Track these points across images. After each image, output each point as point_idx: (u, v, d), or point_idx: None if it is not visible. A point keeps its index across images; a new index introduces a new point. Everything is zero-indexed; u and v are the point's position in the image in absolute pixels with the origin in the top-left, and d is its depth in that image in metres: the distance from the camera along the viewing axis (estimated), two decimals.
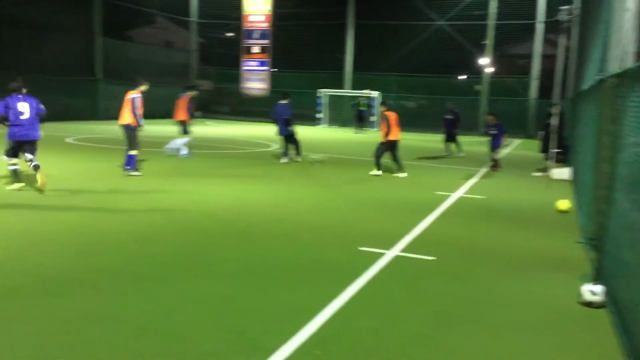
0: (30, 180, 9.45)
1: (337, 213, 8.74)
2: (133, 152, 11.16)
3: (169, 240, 6.66)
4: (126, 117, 11.19)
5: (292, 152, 14.73)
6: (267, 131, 26.78)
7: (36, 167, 9.07)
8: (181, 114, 14.82)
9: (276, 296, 4.94)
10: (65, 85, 28.03)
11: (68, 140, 18.00)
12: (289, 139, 14.72)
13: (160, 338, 3.99)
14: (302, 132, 27.86)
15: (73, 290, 4.86)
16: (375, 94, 31.06)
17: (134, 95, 11.17)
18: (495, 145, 14.92)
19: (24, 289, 4.84)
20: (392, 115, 13.04)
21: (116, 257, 5.87)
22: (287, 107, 14.59)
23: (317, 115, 33.05)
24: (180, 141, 14.63)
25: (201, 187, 10.40)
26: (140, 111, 11.16)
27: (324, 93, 32.99)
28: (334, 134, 28.36)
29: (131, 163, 11.19)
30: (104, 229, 7.01)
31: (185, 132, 14.78)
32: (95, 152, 15.29)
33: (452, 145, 18.63)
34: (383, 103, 14.65)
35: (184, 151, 14.60)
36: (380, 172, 12.94)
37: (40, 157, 9.35)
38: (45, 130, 16.16)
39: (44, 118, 9.51)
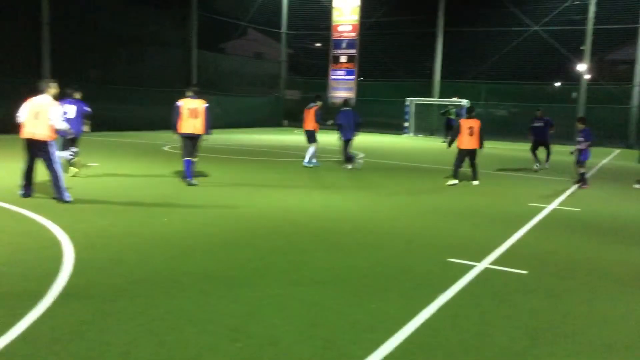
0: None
1: (424, 222, 8.65)
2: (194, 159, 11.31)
3: (257, 247, 6.86)
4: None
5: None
6: (355, 140, 26.92)
7: (72, 157, 11.60)
8: (310, 123, 15.27)
9: (364, 305, 4.96)
10: (164, 97, 29.57)
11: (165, 148, 18.93)
12: (348, 143, 15.30)
13: (254, 341, 4.12)
14: (389, 140, 27.84)
15: (167, 291, 5.11)
16: (464, 102, 30.46)
17: (205, 104, 11.28)
18: (583, 157, 12.86)
19: (123, 289, 5.14)
20: (464, 124, 12.86)
21: (208, 261, 6.12)
22: (352, 113, 15.31)
23: (405, 124, 32.81)
24: (311, 150, 14.95)
25: (288, 195, 10.62)
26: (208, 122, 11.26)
27: (411, 101, 32.71)
28: (421, 143, 28.05)
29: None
30: (195, 233, 7.33)
31: (314, 140, 15.13)
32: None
33: (542, 155, 16.68)
34: (468, 110, 14.31)
35: (313, 160, 15.07)
36: (455, 182, 12.68)
37: (140, 164, 9.89)
38: (146, 139, 17.06)
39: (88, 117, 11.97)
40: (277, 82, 38.66)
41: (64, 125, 9.16)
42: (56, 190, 8.90)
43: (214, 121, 11.72)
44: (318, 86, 37.52)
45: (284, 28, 37.97)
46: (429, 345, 4.20)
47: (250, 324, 4.42)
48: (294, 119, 36.87)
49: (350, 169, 15.06)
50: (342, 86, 36.25)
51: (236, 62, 36.50)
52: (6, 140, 17.84)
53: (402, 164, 16.99)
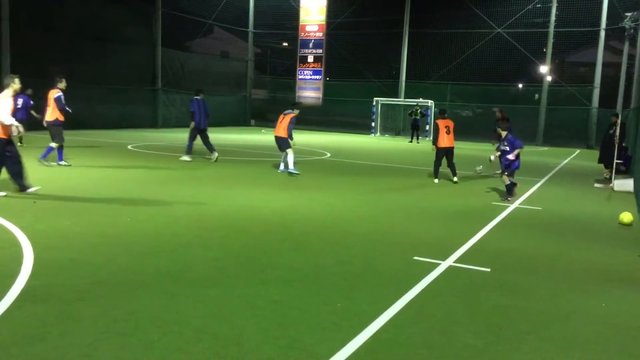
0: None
1: (390, 221, 8.72)
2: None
3: (224, 246, 6.81)
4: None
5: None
6: (321, 139, 27.01)
7: None
8: (282, 130, 13.78)
9: (331, 304, 4.97)
10: (128, 95, 29.09)
11: (130, 147, 18.63)
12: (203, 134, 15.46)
13: (218, 342, 4.08)
14: (356, 140, 27.99)
15: (131, 292, 5.02)
16: (429, 102, 30.80)
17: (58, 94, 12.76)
18: (514, 166, 10.98)
19: (85, 290, 5.04)
20: (441, 124, 13.20)
21: (173, 261, 6.04)
22: (203, 102, 15.72)
23: (373, 124, 33.01)
24: (290, 157, 13.74)
25: (255, 194, 10.57)
26: None
27: (378, 101, 32.93)
28: (387, 143, 28.27)
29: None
30: (161, 232, 7.23)
31: (288, 146, 13.76)
32: (154, 158, 15.75)
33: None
34: (440, 111, 14.30)
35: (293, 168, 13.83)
36: (436, 180, 13.27)
37: (104, 163, 9.69)
38: (108, 137, 16.74)
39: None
40: (244, 81, 38.46)
41: (11, 121, 8.92)
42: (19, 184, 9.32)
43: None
44: (285, 86, 37.50)
45: (250, 27, 37.80)
46: (394, 342, 4.24)
47: (216, 324, 4.38)
48: (262, 118, 36.77)
49: (189, 160, 15.20)
50: (309, 86, 36.29)
51: (202, 61, 36.15)
52: None
53: (369, 164, 17.10)
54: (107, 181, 11.39)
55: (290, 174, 13.52)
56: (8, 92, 9.09)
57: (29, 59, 24.02)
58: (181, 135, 26.05)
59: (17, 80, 9.28)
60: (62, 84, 13.05)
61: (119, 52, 29.04)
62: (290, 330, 4.35)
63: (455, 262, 6.49)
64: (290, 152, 13.70)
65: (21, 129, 9.13)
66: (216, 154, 15.41)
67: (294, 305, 4.91)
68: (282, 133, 13.70)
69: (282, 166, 14.07)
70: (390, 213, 9.49)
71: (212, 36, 38.62)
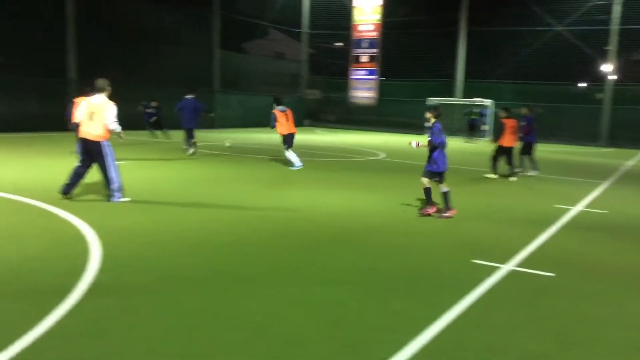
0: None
1: (447, 223, 8.59)
2: None
3: (281, 246, 6.87)
4: None
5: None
6: (375, 139, 26.91)
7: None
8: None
9: (388, 305, 4.94)
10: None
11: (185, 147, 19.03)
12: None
13: (279, 340, 4.13)
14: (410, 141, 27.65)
15: (191, 289, 5.14)
16: (487, 102, 30.19)
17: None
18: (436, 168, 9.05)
19: (149, 286, 5.19)
20: (509, 123, 13.46)
21: (231, 260, 6.15)
22: (192, 101, 16.39)
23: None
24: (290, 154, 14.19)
25: (311, 194, 10.62)
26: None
27: (433, 101, 32.49)
28: None
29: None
30: (219, 232, 7.37)
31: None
32: (212, 159, 16.06)
33: (526, 159, 14.87)
34: (505, 109, 14.17)
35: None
36: (495, 176, 13.70)
37: (164, 164, 9.93)
38: (169, 138, 17.13)
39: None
40: (298, 82, 38.74)
41: (117, 127, 8.90)
42: (110, 191, 8.96)
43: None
44: (339, 86, 37.53)
45: (304, 27, 38.02)
46: (453, 346, 4.17)
47: (276, 323, 4.43)
48: (316, 119, 36.96)
49: (192, 153, 16.18)
50: (363, 86, 36.20)
51: (257, 62, 36.67)
52: (43, 138, 18.14)
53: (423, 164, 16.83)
54: (165, 180, 11.70)
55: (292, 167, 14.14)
56: (106, 97, 9.01)
57: (92, 59, 24.97)
58: (237, 135, 26.49)
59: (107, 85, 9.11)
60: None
61: (176, 55, 29.79)
62: (348, 331, 4.35)
63: (517, 266, 6.32)
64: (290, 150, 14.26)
65: (122, 135, 9.14)
66: (192, 150, 16.32)
67: (351, 306, 4.90)
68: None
69: (298, 161, 14.18)
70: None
71: (267, 38, 39.11)
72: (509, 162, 13.82)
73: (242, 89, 34.02)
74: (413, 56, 34.26)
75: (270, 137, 22.11)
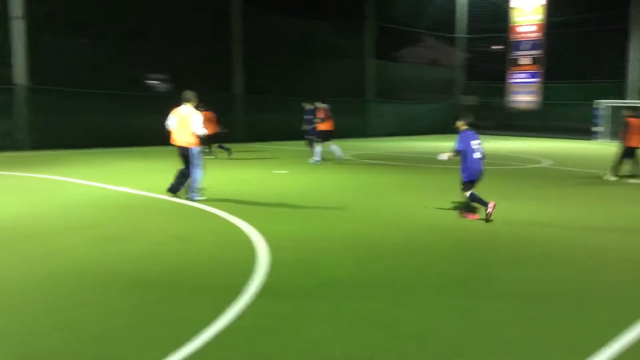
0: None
1: (619, 237, 7.86)
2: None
3: (436, 254, 6.78)
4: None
5: None
6: (537, 146, 25.47)
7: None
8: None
9: (558, 322, 4.65)
10: (338, 107, 30.58)
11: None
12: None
13: (440, 351, 4.08)
14: (578, 147, 25.80)
15: (354, 295, 5.26)
16: None
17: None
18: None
19: (314, 289, 5.40)
20: (635, 122, 13.11)
21: (392, 268, 6.19)
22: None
23: (594, 129, 30.24)
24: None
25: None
26: None
27: (603, 104, 30.01)
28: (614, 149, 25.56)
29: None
30: (380, 239, 7.45)
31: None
32: (364, 168, 16.30)
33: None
34: (631, 108, 13.75)
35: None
36: (614, 178, 13.51)
37: (319, 170, 10.24)
38: (324, 147, 17.71)
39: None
40: (453, 88, 37.99)
41: (204, 131, 10.03)
42: (189, 189, 10.04)
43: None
44: (496, 90, 36.14)
45: (459, 32, 37.22)
46: None
47: (437, 334, 4.38)
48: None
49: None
50: (523, 89, 34.52)
51: (410, 70, 36.58)
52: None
53: (593, 172, 15.59)
54: (321, 187, 12.10)
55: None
56: (192, 107, 10.05)
57: (254, 76, 26.70)
58: (389, 145, 26.65)
59: (194, 97, 10.13)
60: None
61: (330, 66, 30.74)
62: (517, 348, 4.17)
63: None
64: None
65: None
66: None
67: (517, 321, 4.69)
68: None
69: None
70: (623, 228, 8.56)
71: (420, 44, 38.85)
72: (636, 163, 13.38)
73: (396, 98, 34.13)
74: (578, 56, 31.94)
75: (428, 145, 21.96)
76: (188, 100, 10.10)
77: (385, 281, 5.70)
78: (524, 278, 5.88)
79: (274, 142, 25.56)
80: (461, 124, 8.81)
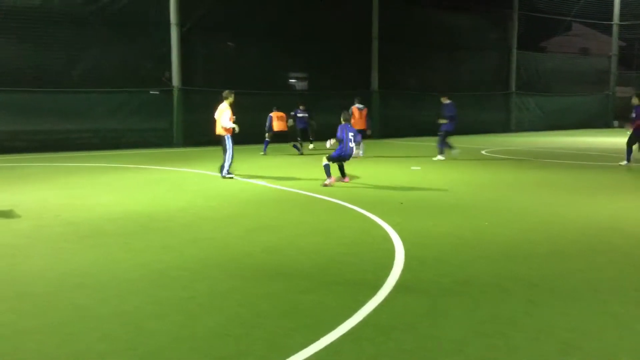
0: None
1: None
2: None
3: (583, 257, 6.37)
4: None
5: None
6: None
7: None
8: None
9: None
10: (480, 100, 29.63)
11: (483, 152, 18.97)
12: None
13: (587, 358, 3.88)
14: None
15: (492, 295, 5.12)
16: None
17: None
18: None
19: (450, 287, 5.35)
20: None
21: (531, 269, 5.92)
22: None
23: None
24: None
25: (616, 203, 9.60)
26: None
27: None
28: None
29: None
30: (514, 238, 7.18)
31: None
32: (506, 163, 15.68)
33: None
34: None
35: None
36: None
37: (461, 167, 10.01)
38: (462, 142, 17.37)
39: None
40: (606, 79, 35.19)
41: (230, 125, 12.23)
42: (221, 168, 12.59)
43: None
44: None
45: (615, 19, 34.34)
46: None
47: (584, 340, 4.15)
48: (627, 119, 33.08)
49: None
50: None
51: (558, 60, 34.46)
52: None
53: None
54: (459, 184, 11.86)
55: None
56: (226, 105, 12.33)
57: (389, 72, 26.68)
58: (535, 139, 25.33)
59: (233, 95, 12.48)
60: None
61: (471, 59, 29.85)
62: None
63: None
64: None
65: (237, 129, 12.38)
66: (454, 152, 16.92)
67: None
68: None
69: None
70: None
71: (570, 33, 36.50)
72: None
73: (540, 90, 32.38)
74: None
75: (571, 140, 20.70)
76: (226, 98, 12.38)
77: (524, 282, 5.47)
78: None
79: (408, 138, 25.40)
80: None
